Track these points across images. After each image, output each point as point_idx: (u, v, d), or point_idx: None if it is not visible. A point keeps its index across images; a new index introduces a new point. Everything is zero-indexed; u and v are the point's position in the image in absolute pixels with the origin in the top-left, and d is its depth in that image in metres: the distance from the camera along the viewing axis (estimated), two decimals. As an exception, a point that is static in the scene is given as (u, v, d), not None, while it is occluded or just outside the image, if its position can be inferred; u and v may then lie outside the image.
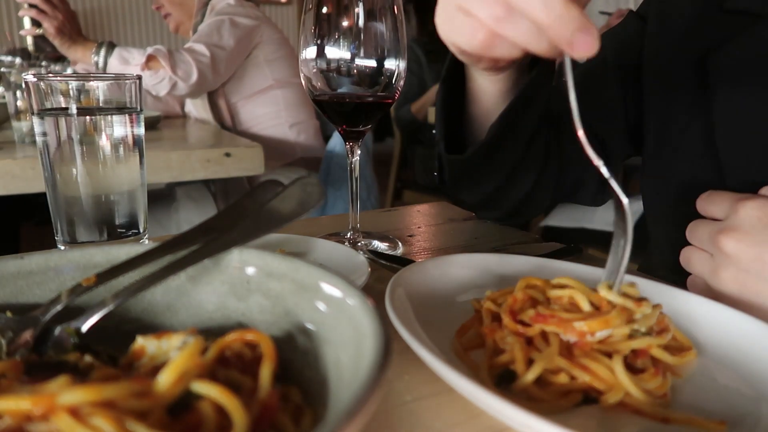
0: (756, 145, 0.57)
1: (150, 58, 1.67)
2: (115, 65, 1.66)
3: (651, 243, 0.73)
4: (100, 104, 0.54)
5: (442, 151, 0.66)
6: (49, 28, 1.64)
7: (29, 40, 2.11)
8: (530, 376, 0.34)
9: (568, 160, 0.70)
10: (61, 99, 0.53)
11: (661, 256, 0.69)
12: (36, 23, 1.68)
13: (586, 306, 0.37)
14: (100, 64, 1.66)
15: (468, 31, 0.42)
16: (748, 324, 0.41)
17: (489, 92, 0.61)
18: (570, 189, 0.74)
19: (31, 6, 1.63)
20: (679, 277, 0.51)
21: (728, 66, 0.58)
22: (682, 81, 0.63)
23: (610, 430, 0.33)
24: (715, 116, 0.58)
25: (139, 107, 0.56)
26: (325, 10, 0.60)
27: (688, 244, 0.49)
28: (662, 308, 0.39)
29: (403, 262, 0.58)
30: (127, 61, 1.66)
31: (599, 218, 1.83)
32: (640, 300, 0.38)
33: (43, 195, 0.57)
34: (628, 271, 0.41)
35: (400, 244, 0.69)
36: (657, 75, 0.67)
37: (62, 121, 0.53)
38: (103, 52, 1.66)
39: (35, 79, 0.52)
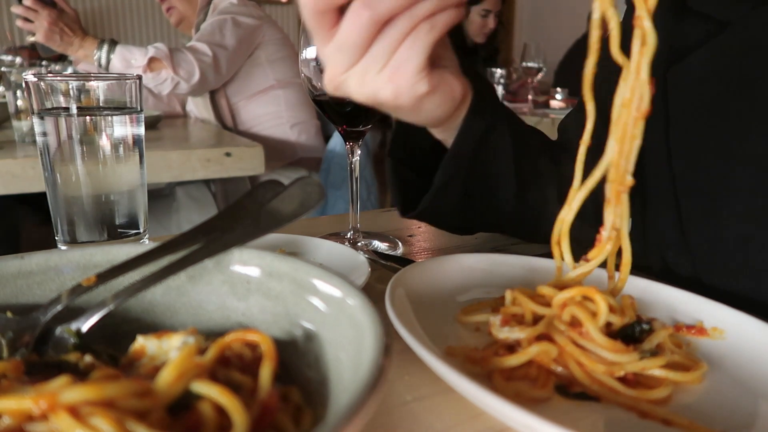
0: (711, 170, 0.51)
1: (152, 60, 1.67)
2: (117, 66, 1.66)
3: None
4: (100, 104, 0.54)
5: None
6: (38, 35, 1.65)
7: (38, 46, 2.15)
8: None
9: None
10: (62, 99, 0.53)
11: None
12: None
13: (599, 338, 0.37)
14: (103, 63, 1.66)
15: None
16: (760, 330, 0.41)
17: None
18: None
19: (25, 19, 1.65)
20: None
21: (686, 83, 0.52)
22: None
23: (610, 431, 0.33)
24: (671, 141, 0.53)
25: (139, 107, 0.56)
26: (325, 10, 0.60)
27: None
28: (672, 330, 0.40)
29: (403, 262, 0.58)
30: (129, 62, 1.66)
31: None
32: (651, 320, 0.39)
33: (43, 195, 0.57)
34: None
35: (400, 244, 0.69)
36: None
37: (62, 121, 0.53)
38: (105, 50, 1.66)
39: (35, 79, 0.52)
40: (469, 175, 0.54)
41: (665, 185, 0.54)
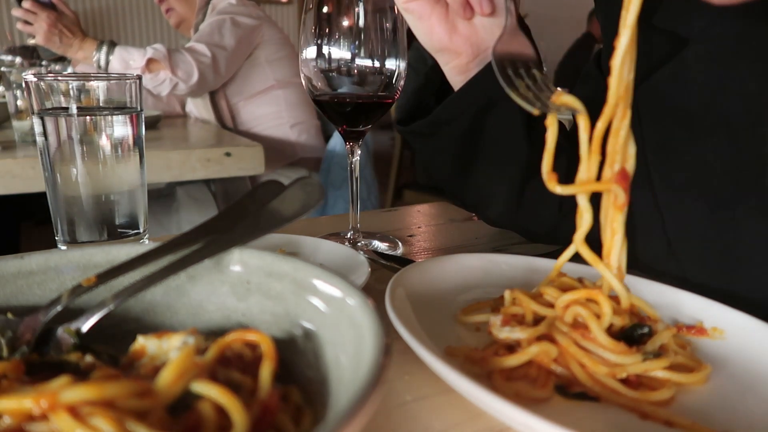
0: (689, 184, 0.52)
1: (150, 61, 1.67)
2: (116, 67, 1.66)
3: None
4: (100, 104, 0.54)
5: (395, 124, 0.66)
6: (37, 37, 1.66)
7: (38, 48, 2.15)
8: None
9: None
10: (62, 99, 0.53)
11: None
12: None
13: (603, 339, 0.37)
14: (102, 64, 1.66)
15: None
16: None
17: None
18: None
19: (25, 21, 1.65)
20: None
21: (654, 101, 0.53)
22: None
23: (611, 431, 0.33)
24: (647, 155, 0.54)
25: (139, 107, 0.56)
26: (325, 9, 0.60)
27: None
28: (675, 331, 0.40)
29: (403, 262, 0.58)
30: (127, 63, 1.66)
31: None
32: (654, 321, 0.39)
33: (43, 195, 0.57)
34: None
35: (400, 244, 0.69)
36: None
37: (62, 121, 0.53)
38: (103, 51, 1.66)
39: (35, 79, 0.52)
40: (474, 129, 0.59)
41: (648, 204, 0.55)
